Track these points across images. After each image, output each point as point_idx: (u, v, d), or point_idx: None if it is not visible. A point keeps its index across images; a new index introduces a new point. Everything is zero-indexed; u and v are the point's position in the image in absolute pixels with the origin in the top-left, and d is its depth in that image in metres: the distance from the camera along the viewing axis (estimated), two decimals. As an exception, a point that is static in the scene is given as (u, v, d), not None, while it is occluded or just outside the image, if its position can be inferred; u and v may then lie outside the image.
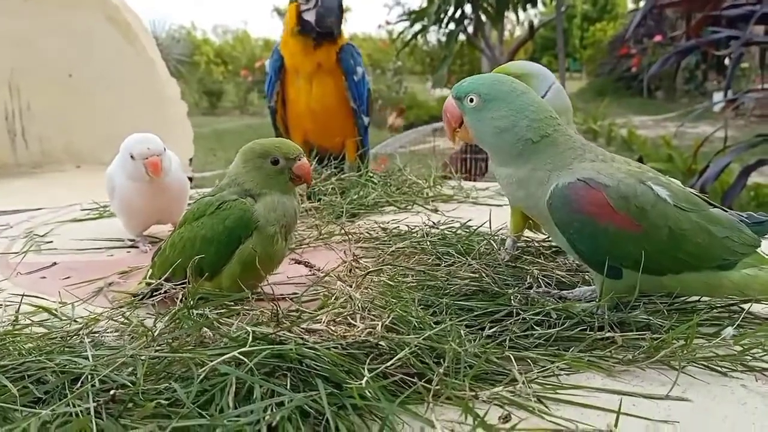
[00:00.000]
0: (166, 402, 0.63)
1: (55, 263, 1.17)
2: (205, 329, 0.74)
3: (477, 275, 0.93)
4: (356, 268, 0.97)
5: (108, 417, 0.62)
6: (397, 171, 1.78)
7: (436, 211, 1.54)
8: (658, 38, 10.82)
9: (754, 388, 0.72)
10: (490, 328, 0.79)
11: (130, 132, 1.28)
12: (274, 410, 0.60)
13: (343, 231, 1.26)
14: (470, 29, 4.50)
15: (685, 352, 0.74)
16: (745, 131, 5.11)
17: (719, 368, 0.75)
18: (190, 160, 2.91)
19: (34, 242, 1.30)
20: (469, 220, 1.30)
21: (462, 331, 0.74)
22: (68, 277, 1.09)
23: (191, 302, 0.77)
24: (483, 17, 4.17)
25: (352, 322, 0.73)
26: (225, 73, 15.71)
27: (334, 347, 0.68)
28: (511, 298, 0.85)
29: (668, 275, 0.82)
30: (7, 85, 2.93)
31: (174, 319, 0.77)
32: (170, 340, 0.73)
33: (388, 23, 6.18)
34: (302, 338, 0.69)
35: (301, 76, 1.88)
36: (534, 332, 0.79)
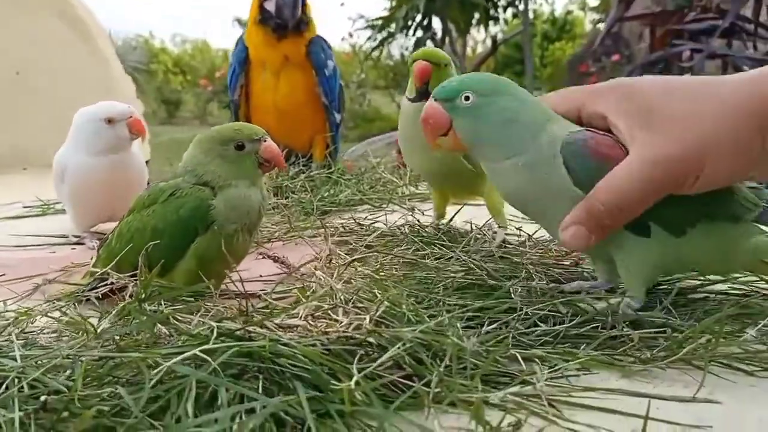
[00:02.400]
0: (110, 410, 0.51)
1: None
2: (160, 326, 0.62)
3: (468, 267, 0.84)
4: (335, 258, 0.87)
5: (38, 428, 0.51)
6: (370, 168, 1.69)
7: (413, 209, 1.44)
8: (616, 57, 11.06)
9: (785, 389, 0.65)
10: (490, 324, 0.70)
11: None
12: (243, 418, 0.50)
13: (318, 223, 1.16)
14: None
15: (709, 349, 0.66)
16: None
17: (744, 368, 0.67)
18: (147, 162, 2.76)
19: (-35, 238, 1.16)
20: (453, 217, 1.21)
21: (460, 326, 0.64)
22: (2, 275, 0.96)
23: (143, 294, 0.66)
24: (451, 27, 4.13)
25: (335, 316, 0.63)
26: (184, 82, 15.41)
27: (313, 345, 0.58)
28: (511, 291, 0.75)
29: (687, 237, 0.74)
30: (-51, 82, 2.74)
31: (122, 315, 0.65)
32: (117, 338, 0.61)
33: (351, 35, 6.13)
34: (276, 335, 0.58)
35: (267, 70, 1.78)
36: (538, 328, 0.70)
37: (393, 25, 3.87)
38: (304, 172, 1.63)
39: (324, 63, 1.80)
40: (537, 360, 0.64)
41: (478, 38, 12.68)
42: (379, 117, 10.82)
